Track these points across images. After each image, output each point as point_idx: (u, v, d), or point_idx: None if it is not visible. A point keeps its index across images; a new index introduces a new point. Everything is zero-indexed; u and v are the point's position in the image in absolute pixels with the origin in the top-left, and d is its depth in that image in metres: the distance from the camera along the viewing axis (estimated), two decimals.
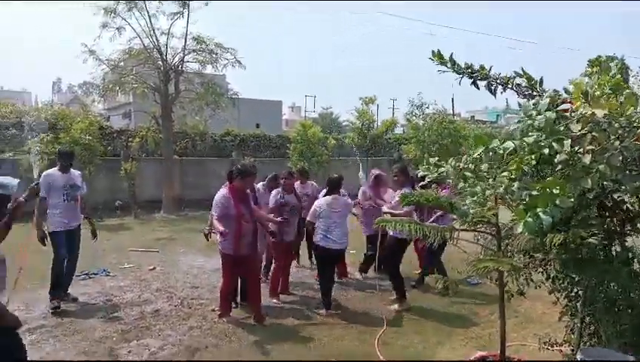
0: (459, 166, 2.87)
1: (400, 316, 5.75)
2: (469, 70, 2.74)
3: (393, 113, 43.31)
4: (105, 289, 6.51)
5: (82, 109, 16.24)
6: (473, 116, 46.71)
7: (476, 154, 2.51)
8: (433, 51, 2.74)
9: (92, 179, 13.15)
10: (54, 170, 5.89)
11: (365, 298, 6.42)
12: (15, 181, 3.24)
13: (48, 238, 5.66)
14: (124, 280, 7.03)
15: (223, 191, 5.40)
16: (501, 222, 3.30)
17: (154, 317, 5.54)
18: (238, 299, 5.93)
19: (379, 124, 22.77)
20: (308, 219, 5.83)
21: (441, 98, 75.24)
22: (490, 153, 2.44)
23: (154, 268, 7.69)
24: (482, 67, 2.75)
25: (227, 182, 5.68)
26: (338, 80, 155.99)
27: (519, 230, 2.36)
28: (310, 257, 7.68)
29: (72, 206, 5.81)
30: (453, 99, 28.65)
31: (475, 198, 2.65)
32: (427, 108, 18.84)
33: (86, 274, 7.08)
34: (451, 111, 25.33)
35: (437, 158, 3.04)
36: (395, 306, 5.94)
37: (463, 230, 3.31)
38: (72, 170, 6.00)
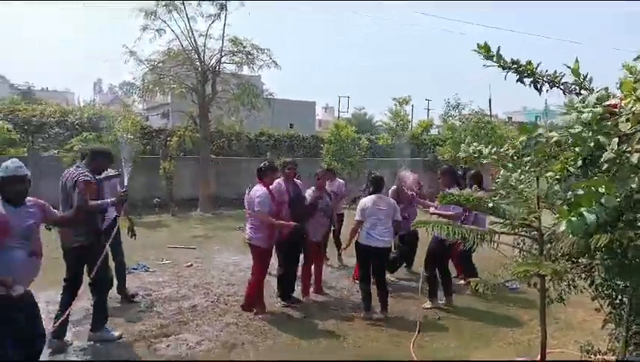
0: (499, 152, 2.82)
1: (436, 319, 5.70)
2: (516, 66, 2.66)
3: (428, 114, 42.82)
4: (144, 285, 6.69)
5: (123, 109, 16.72)
6: (510, 117, 45.71)
7: (519, 141, 2.44)
8: (479, 44, 2.67)
9: (131, 178, 13.51)
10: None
11: (401, 299, 6.36)
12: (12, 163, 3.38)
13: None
14: (163, 275, 7.20)
15: (261, 189, 5.54)
16: (543, 225, 3.22)
17: (191, 312, 5.66)
18: None
19: (413, 124, 22.56)
20: (357, 218, 5.77)
21: (476, 98, 73.90)
22: (534, 142, 2.37)
23: (191, 265, 7.86)
24: (529, 63, 2.67)
25: (257, 180, 5.74)
26: (372, 80, 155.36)
27: (562, 229, 2.30)
28: (339, 257, 7.80)
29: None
30: (490, 99, 28.07)
31: (511, 181, 2.57)
32: (463, 108, 18.58)
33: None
34: (488, 112, 24.86)
35: (480, 142, 3.00)
36: (428, 304, 5.96)
37: (503, 233, 3.25)
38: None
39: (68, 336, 4.71)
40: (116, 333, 4.86)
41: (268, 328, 5.24)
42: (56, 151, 13.04)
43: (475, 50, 2.66)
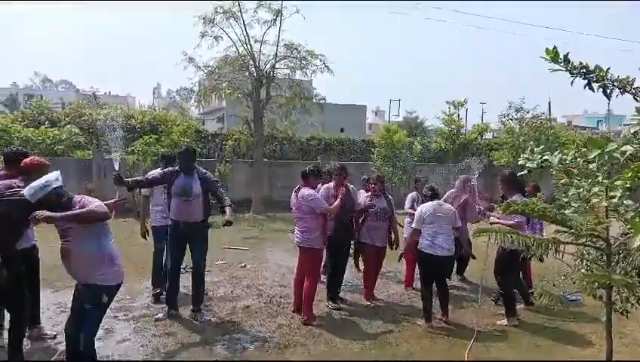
0: (565, 160, 2.71)
1: (493, 330, 5.53)
2: (584, 70, 2.55)
3: (482, 117, 41.68)
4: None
5: (181, 113, 17.33)
6: (570, 121, 43.89)
7: (591, 157, 2.34)
8: (547, 49, 2.59)
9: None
10: (157, 171, 6.29)
11: (457, 308, 6.23)
12: (53, 175, 3.61)
13: (150, 233, 6.13)
14: (218, 276, 7.40)
15: (309, 190, 5.55)
16: (611, 236, 3.07)
17: (245, 312, 5.78)
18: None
19: (468, 128, 22.04)
20: (413, 226, 5.73)
21: (532, 101, 71.12)
22: (606, 157, 2.26)
23: (244, 266, 8.03)
24: (599, 68, 2.55)
25: (302, 182, 5.68)
26: (424, 84, 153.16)
27: (635, 245, 2.19)
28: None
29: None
30: (550, 102, 26.99)
31: (579, 191, 2.46)
32: (527, 112, 17.91)
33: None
34: (547, 116, 23.94)
35: (542, 147, 2.88)
36: (504, 322, 5.68)
37: (568, 243, 3.12)
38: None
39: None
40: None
41: (320, 331, 5.26)
42: (118, 154, 13.67)
43: (542, 57, 2.57)
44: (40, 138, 13.52)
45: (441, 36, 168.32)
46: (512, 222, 5.32)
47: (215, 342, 4.89)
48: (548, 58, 2.60)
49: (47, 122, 14.85)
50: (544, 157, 2.75)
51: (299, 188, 5.66)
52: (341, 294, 6.37)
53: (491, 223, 5.70)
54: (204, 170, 5.61)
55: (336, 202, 5.69)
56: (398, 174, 15.99)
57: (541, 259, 4.18)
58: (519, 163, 3.03)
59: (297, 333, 5.17)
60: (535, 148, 3.02)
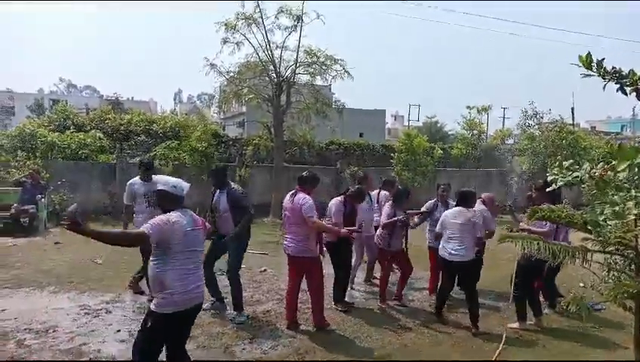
0: (595, 172, 2.66)
1: (518, 337, 5.45)
2: (617, 75, 2.51)
3: (503, 123, 41.20)
4: (220, 288, 6.91)
5: (200, 118, 17.52)
6: (594, 127, 43.12)
7: (620, 169, 2.30)
8: (581, 56, 2.56)
9: (208, 183, 14.14)
10: (137, 180, 6.42)
11: (483, 317, 6.16)
12: (187, 185, 3.62)
13: None
14: None
15: (305, 196, 5.35)
16: None
17: (265, 317, 5.80)
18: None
19: (489, 134, 21.80)
20: (437, 229, 5.94)
21: (556, 107, 70.15)
22: (636, 169, 2.22)
23: (264, 270, 8.06)
24: (632, 72, 2.51)
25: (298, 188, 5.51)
26: (443, 88, 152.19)
27: None
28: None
29: (154, 211, 6.22)
30: (573, 108, 26.55)
31: (615, 209, 2.42)
32: (542, 117, 17.70)
33: (222, 270, 7.60)
34: (569, 121, 23.55)
35: (570, 161, 2.83)
36: (515, 324, 5.66)
37: (596, 251, 3.06)
38: (153, 177, 6.37)
39: None
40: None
41: (339, 337, 5.25)
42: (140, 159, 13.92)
43: (574, 64, 2.53)
44: (66, 143, 13.81)
45: (460, 40, 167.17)
46: (542, 229, 5.25)
47: (235, 346, 4.92)
48: (582, 64, 2.57)
49: (72, 127, 15.17)
50: (574, 174, 2.69)
51: (295, 193, 5.42)
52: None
53: (520, 230, 5.63)
54: (234, 187, 5.78)
55: (328, 226, 5.62)
56: (418, 179, 15.90)
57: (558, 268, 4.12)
58: (549, 179, 2.97)
59: (317, 338, 5.17)
60: (564, 163, 2.97)
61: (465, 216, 5.63)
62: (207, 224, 3.81)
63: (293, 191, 5.49)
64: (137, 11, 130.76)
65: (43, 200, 11.09)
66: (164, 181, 3.59)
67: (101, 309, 5.81)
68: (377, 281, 7.24)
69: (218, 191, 5.77)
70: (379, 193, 7.52)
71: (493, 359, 4.78)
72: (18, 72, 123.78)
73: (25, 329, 5.12)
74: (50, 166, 12.76)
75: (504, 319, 5.71)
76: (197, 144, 13.88)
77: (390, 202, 6.53)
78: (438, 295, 6.07)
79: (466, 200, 5.78)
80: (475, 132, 19.81)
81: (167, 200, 3.53)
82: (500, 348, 4.95)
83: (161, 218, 3.38)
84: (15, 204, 10.62)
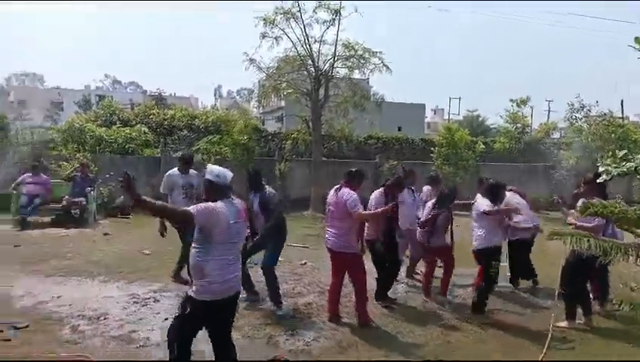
0: None
1: (566, 336, 5.29)
2: None
3: (548, 116, 39.91)
4: (262, 279, 6.97)
5: (241, 113, 17.77)
6: None
7: None
8: (637, 38, 2.44)
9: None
10: (176, 171, 6.67)
11: (525, 313, 6.07)
12: (230, 174, 3.61)
13: (167, 231, 6.46)
14: (278, 272, 7.45)
15: (350, 191, 5.33)
16: None
17: (307, 309, 5.86)
18: None
19: (533, 127, 21.15)
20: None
21: (604, 100, 67.18)
22: None
23: (305, 263, 8.13)
24: None
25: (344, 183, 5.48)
26: (486, 81, 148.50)
27: None
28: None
29: (190, 203, 6.22)
30: (622, 101, 25.38)
31: None
32: (589, 110, 17.03)
33: (255, 262, 7.72)
34: (619, 115, 22.54)
35: (624, 151, 2.72)
36: (564, 323, 5.49)
37: None
38: (190, 171, 6.74)
39: None
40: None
41: (382, 332, 5.25)
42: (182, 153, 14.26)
43: (631, 46, 2.42)
44: (112, 137, 14.30)
45: (504, 32, 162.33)
46: (590, 224, 5.06)
47: (278, 336, 4.99)
48: (638, 47, 2.45)
49: (118, 122, 15.69)
50: (629, 165, 2.57)
51: (340, 187, 5.39)
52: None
53: (569, 225, 5.46)
54: (268, 191, 5.86)
55: (372, 212, 5.61)
56: (460, 174, 15.62)
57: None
58: (600, 170, 2.86)
59: (359, 332, 5.18)
60: (617, 152, 2.85)
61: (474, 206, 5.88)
62: None
63: (338, 185, 5.47)
64: (177, 11, 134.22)
65: (92, 192, 11.53)
66: (209, 170, 3.61)
67: (149, 298, 6.01)
68: (419, 277, 7.20)
69: (253, 192, 5.89)
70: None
71: (540, 359, 4.66)
72: (65, 69, 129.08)
73: (78, 315, 5.36)
74: (99, 159, 13.26)
75: (552, 318, 5.55)
76: (239, 138, 14.08)
77: (433, 202, 6.41)
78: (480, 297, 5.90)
79: (492, 192, 5.87)
80: (518, 125, 19.26)
81: (211, 190, 3.55)
82: (546, 348, 4.82)
83: (207, 204, 3.43)
84: (66, 196, 11.10)
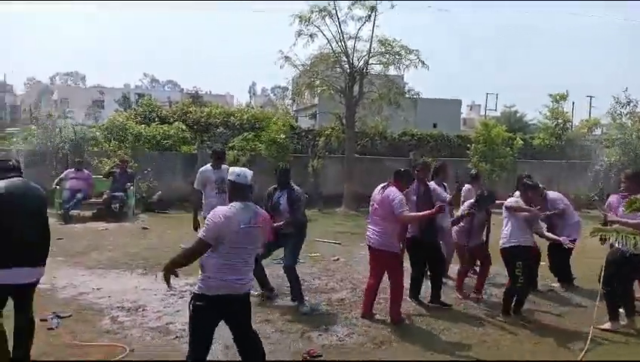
0: None
1: (607, 338, 5.10)
2: None
3: (590, 112, 38.52)
4: (277, 277, 7.03)
5: (278, 110, 17.93)
6: None
7: None
8: None
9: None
10: (209, 167, 6.63)
11: (564, 313, 5.90)
12: (250, 172, 3.62)
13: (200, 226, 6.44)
14: (312, 267, 7.56)
15: (396, 191, 5.28)
16: None
17: (340, 305, 5.85)
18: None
19: (574, 123, 20.47)
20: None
21: None
22: None
23: (337, 259, 8.14)
24: None
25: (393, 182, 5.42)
26: (525, 76, 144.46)
27: None
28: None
29: (223, 197, 6.14)
30: None
31: None
32: (635, 106, 16.34)
33: (280, 259, 7.78)
34: None
35: None
36: (607, 325, 5.28)
37: None
38: (223, 165, 6.66)
39: None
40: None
41: (417, 329, 5.20)
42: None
43: None
44: (151, 134, 14.66)
45: (541, 25, 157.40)
46: (636, 221, 4.80)
47: (312, 331, 5.00)
48: None
49: (157, 119, 16.07)
50: None
51: (387, 185, 5.33)
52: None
53: (609, 222, 5.23)
54: (296, 189, 5.84)
55: (418, 214, 5.52)
56: (497, 171, 15.27)
57: None
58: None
59: (394, 330, 5.13)
60: None
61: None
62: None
63: (385, 184, 5.41)
64: (210, 12, 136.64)
65: (131, 188, 11.86)
66: (230, 171, 3.67)
67: (185, 291, 6.12)
68: (452, 275, 7.10)
69: (279, 191, 5.84)
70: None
71: (578, 360, 4.51)
72: (105, 68, 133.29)
73: (117, 306, 5.52)
74: (138, 156, 13.61)
75: (592, 318, 5.36)
76: (275, 135, 14.20)
77: (472, 202, 6.28)
78: (519, 296, 5.76)
79: (525, 189, 5.75)
80: (559, 121, 18.66)
81: (233, 189, 3.56)
82: (585, 350, 4.66)
83: (213, 215, 3.43)
84: (107, 191, 11.47)
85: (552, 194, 7.06)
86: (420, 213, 5.53)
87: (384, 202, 5.21)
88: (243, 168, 3.74)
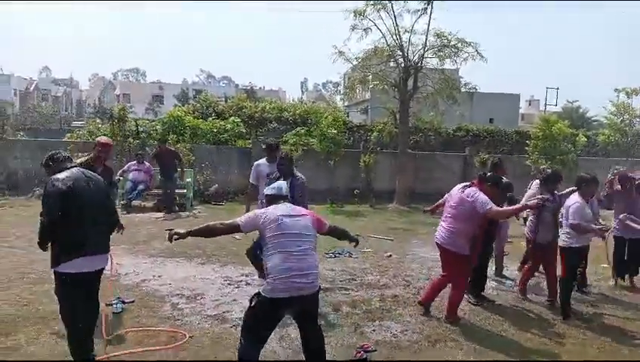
0: None
1: None
2: None
3: None
4: (348, 269, 7.10)
5: (330, 105, 17.98)
6: None
7: None
8: None
9: (335, 168, 14.51)
10: (263, 161, 6.62)
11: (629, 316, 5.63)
12: (284, 185, 4.09)
13: None
14: (364, 263, 7.55)
15: (478, 191, 5.07)
16: None
17: (393, 301, 5.81)
18: None
19: None
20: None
21: None
22: None
23: (390, 256, 8.08)
24: None
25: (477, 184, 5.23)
26: (587, 70, 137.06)
27: None
28: None
29: None
30: None
31: None
32: None
33: (332, 253, 7.86)
34: None
35: None
36: None
37: None
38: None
39: None
40: None
41: (472, 328, 5.09)
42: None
43: None
44: (208, 128, 15.08)
45: (604, 18, 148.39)
46: None
47: (365, 326, 5.00)
48: None
49: (213, 114, 16.51)
50: None
51: (470, 185, 5.17)
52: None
53: None
54: (298, 176, 5.84)
55: (509, 208, 5.47)
56: (558, 169, 14.62)
57: None
58: None
59: (448, 328, 5.05)
60: None
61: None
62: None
63: (467, 183, 5.28)
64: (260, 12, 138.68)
65: (189, 180, 12.25)
66: (270, 186, 4.08)
67: (241, 281, 6.30)
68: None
69: (283, 179, 5.62)
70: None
71: None
72: (166, 65, 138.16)
73: (177, 294, 5.74)
74: (195, 149, 14.05)
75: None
76: (328, 130, 14.24)
77: (537, 182, 6.06)
78: (563, 297, 5.61)
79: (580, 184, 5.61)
80: (625, 117, 17.64)
81: (271, 201, 3.92)
82: None
83: (255, 211, 3.94)
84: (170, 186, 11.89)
85: None
86: (511, 208, 5.52)
87: (464, 201, 5.05)
88: (278, 182, 4.23)
